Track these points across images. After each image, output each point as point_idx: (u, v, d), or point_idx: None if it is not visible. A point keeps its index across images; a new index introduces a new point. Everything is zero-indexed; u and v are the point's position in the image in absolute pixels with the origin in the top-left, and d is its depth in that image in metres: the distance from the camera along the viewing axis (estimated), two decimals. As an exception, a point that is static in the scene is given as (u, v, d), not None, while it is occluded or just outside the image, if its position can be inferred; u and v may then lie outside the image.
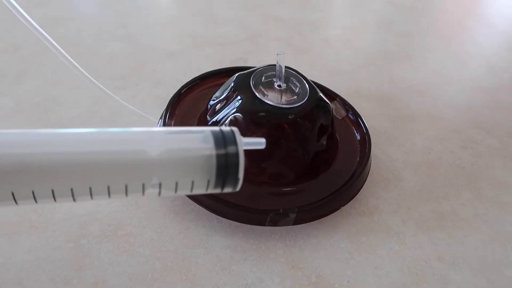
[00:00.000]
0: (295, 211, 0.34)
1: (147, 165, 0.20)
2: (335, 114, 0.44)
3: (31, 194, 0.19)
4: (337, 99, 0.46)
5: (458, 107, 0.54)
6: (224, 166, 0.21)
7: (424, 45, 0.69)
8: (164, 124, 0.38)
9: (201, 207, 0.35)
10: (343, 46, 0.66)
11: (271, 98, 0.36)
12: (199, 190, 0.22)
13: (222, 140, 0.21)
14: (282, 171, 0.37)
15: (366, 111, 0.46)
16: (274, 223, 0.34)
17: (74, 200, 0.20)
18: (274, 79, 0.38)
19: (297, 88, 0.38)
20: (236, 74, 0.39)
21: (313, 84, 0.39)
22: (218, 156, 0.21)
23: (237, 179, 0.22)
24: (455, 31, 0.76)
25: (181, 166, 0.21)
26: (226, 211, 0.34)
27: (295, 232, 0.36)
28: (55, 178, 0.19)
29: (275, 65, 0.38)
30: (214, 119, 0.37)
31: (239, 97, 0.36)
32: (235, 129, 0.22)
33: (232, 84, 0.38)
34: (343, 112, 0.45)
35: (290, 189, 0.37)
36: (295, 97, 0.37)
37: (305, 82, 0.39)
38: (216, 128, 0.22)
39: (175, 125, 0.39)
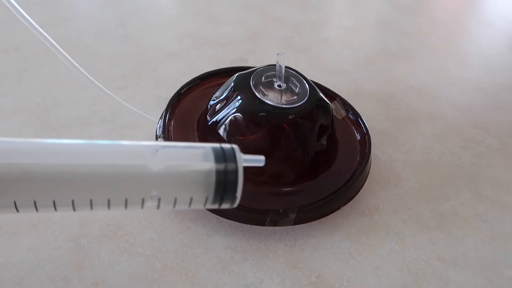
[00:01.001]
0: (295, 211, 0.34)
1: (147, 180, 0.21)
2: (335, 114, 0.44)
3: (33, 203, 0.19)
4: (337, 99, 0.46)
5: (458, 107, 0.54)
6: (223, 184, 0.22)
7: (424, 45, 0.69)
8: (164, 124, 0.38)
9: (201, 207, 0.35)
10: (343, 46, 0.66)
11: (271, 98, 0.36)
12: (197, 206, 0.22)
13: (222, 157, 0.22)
14: (282, 171, 0.37)
15: (366, 111, 0.46)
16: (274, 223, 0.34)
17: (74, 210, 0.20)
18: (274, 79, 0.38)
19: (297, 88, 0.38)
20: (236, 74, 0.39)
21: (313, 84, 0.39)
22: (218, 174, 0.21)
23: (235, 197, 0.22)
24: (455, 31, 0.76)
25: (181, 182, 0.21)
26: (226, 211, 0.34)
27: (295, 232, 0.36)
28: (57, 189, 0.19)
29: (275, 65, 0.38)
30: (214, 119, 0.37)
31: (239, 97, 0.36)
32: (235, 146, 0.22)
33: (232, 84, 0.38)
34: (343, 112, 0.45)
35: (290, 189, 0.37)
36: (295, 97, 0.37)
37: (305, 82, 0.39)
38: (217, 145, 0.22)
39: (175, 125, 0.39)
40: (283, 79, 0.38)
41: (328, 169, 0.39)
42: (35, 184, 0.19)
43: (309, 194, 0.36)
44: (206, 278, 0.32)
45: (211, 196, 0.22)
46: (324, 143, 0.38)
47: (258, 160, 0.23)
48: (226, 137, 0.36)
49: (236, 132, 0.36)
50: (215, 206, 0.23)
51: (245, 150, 0.23)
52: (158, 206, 0.22)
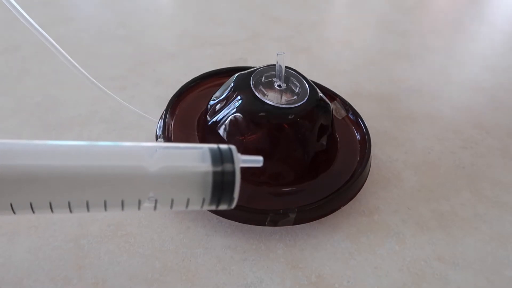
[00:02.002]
0: (295, 211, 0.34)
1: (144, 181, 0.21)
2: (335, 114, 0.44)
3: (29, 205, 0.19)
4: (337, 99, 0.46)
5: (458, 107, 0.54)
6: (220, 185, 0.21)
7: (424, 45, 0.69)
8: (164, 124, 0.38)
9: (201, 207, 0.35)
10: (343, 46, 0.66)
11: (271, 98, 0.36)
12: (195, 207, 0.22)
13: (219, 158, 0.22)
14: (282, 171, 0.37)
15: (366, 111, 0.46)
16: (274, 223, 0.34)
17: (71, 212, 0.20)
18: (274, 79, 0.38)
19: (297, 88, 0.38)
20: (236, 74, 0.39)
21: (313, 84, 0.39)
22: (215, 175, 0.21)
23: (232, 198, 0.22)
24: (455, 31, 0.76)
25: (178, 184, 0.21)
26: (226, 211, 0.34)
27: (295, 232, 0.36)
28: (53, 190, 0.19)
29: (275, 65, 0.38)
30: (214, 119, 0.37)
31: (239, 97, 0.36)
32: (233, 147, 0.22)
33: (232, 84, 0.38)
34: (343, 112, 0.45)
35: (290, 189, 0.37)
36: (295, 97, 0.37)
37: (305, 82, 0.39)
38: (214, 146, 0.22)
39: (175, 125, 0.39)
40: (283, 79, 0.38)
41: (328, 169, 0.39)
42: (31, 186, 0.19)
43: (309, 194, 0.36)
44: (206, 278, 0.32)
45: (208, 197, 0.22)
46: (324, 143, 0.38)
47: (256, 161, 0.23)
48: (226, 137, 0.36)
49: (236, 132, 0.36)
50: (213, 207, 0.22)
51: (245, 150, 0.23)
52: (155, 208, 0.21)
